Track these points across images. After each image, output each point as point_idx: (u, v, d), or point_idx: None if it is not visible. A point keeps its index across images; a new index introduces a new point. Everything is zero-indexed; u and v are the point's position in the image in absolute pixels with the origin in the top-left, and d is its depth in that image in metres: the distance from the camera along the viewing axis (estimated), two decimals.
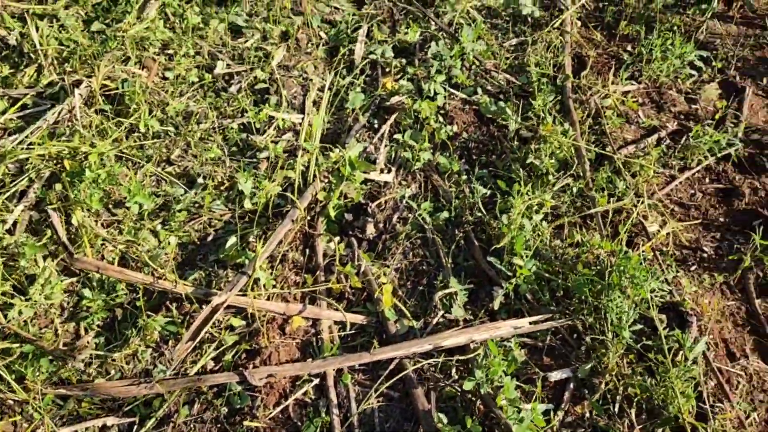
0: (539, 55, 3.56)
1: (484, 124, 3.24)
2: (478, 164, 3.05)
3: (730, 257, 2.71)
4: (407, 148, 3.02)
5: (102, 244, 2.55)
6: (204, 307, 2.33)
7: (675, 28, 3.85)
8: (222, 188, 2.83)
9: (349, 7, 3.90)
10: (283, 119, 3.11)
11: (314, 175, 2.80)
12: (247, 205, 2.70)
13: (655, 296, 2.34)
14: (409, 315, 2.43)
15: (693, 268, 2.70)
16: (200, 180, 2.84)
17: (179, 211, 2.71)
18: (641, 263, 2.35)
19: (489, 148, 3.12)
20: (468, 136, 3.17)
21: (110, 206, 2.69)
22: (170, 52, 3.39)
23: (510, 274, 2.48)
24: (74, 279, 2.48)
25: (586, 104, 3.30)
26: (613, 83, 3.47)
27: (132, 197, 2.50)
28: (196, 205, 2.75)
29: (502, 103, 3.24)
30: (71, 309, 2.42)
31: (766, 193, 3.02)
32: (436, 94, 3.24)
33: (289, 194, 2.73)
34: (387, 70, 3.46)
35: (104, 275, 2.42)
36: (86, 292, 2.39)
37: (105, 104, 3.00)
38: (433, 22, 3.69)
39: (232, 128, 3.06)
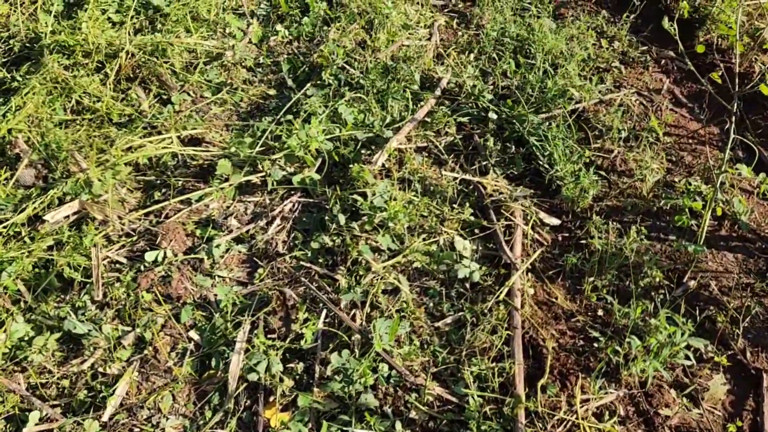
0: (479, 352, 2.54)
1: None
2: None
3: None
4: None
5: None
6: None
7: (656, 280, 2.85)
8: None
9: (233, 278, 2.90)
10: None
11: None
12: None
13: None
14: None
15: None
16: None
17: None
18: None
19: None
20: None
21: None
22: None
23: None
24: None
25: None
26: (583, 391, 2.43)
27: None
28: None
29: None
30: None
31: None
32: None
33: None
34: (272, 398, 2.42)
35: None
36: None
37: None
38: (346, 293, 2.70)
39: None
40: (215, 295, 2.77)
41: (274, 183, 3.27)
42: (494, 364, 2.48)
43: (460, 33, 4.49)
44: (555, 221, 3.18)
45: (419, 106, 3.73)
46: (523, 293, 2.76)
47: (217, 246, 2.95)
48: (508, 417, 2.32)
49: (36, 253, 2.69)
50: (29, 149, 3.13)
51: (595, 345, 2.60)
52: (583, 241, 3.03)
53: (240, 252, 3.01)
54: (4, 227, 2.85)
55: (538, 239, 3.10)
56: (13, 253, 2.65)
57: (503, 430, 2.28)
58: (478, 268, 2.83)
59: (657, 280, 2.83)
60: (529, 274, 2.91)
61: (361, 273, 2.83)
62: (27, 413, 2.32)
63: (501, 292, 2.71)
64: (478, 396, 2.35)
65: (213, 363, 2.53)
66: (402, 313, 2.69)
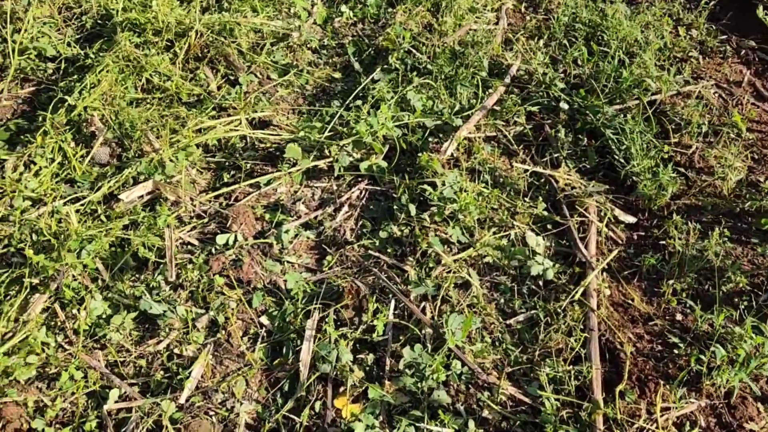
0: (554, 353, 2.46)
1: None
2: None
3: None
4: None
5: None
6: None
7: (740, 286, 2.71)
8: None
9: (301, 264, 2.87)
10: None
11: None
12: None
13: None
14: None
15: None
16: None
17: None
18: None
19: None
20: None
21: None
22: (52, 372, 2.40)
23: None
24: None
25: None
26: (663, 399, 2.34)
27: None
28: None
29: None
30: None
31: None
32: None
33: None
34: (342, 389, 2.40)
35: None
36: None
37: None
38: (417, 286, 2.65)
39: None
40: (284, 281, 2.75)
41: (342, 169, 3.22)
42: (570, 366, 2.40)
43: (528, 17, 4.34)
44: (631, 219, 3.05)
45: (488, 93, 3.62)
46: (600, 294, 2.66)
47: (286, 231, 2.92)
48: (585, 422, 2.24)
49: (113, 233, 2.71)
50: (104, 127, 3.15)
51: (675, 351, 2.50)
52: (662, 242, 2.91)
53: (308, 238, 2.98)
54: (82, 205, 2.87)
55: (613, 237, 2.98)
56: (91, 232, 2.67)
57: None
58: (551, 266, 2.74)
59: (740, 285, 2.70)
60: (604, 273, 2.80)
61: (431, 265, 2.77)
62: (107, 390, 2.34)
63: (576, 292, 2.62)
64: (554, 399, 2.28)
65: (284, 350, 2.52)
66: (473, 309, 2.62)
